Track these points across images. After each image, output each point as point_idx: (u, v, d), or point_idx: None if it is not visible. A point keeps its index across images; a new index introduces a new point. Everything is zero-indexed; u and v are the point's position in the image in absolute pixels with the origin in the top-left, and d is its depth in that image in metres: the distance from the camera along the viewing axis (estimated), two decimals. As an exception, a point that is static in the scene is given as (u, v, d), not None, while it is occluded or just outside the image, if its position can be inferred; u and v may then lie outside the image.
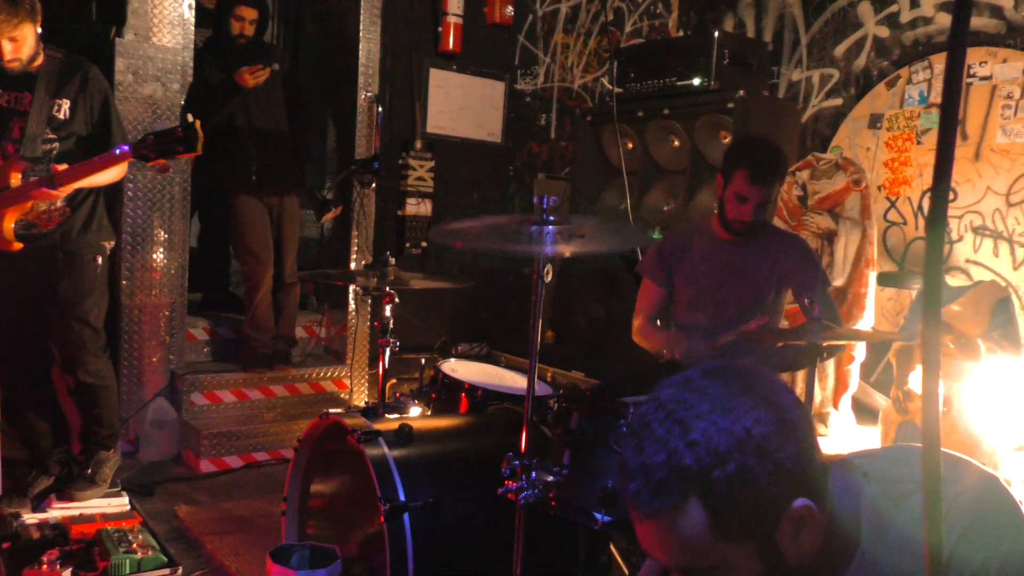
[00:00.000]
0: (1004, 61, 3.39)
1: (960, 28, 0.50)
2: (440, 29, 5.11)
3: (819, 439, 1.08)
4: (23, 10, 2.72)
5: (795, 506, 0.99)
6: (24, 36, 2.78)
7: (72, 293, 3.05)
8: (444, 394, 2.81)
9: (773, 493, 0.97)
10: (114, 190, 3.68)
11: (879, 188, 3.79)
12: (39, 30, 2.85)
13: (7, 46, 2.76)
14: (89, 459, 3.22)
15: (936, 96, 3.62)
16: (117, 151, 2.73)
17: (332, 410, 2.41)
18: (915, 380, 3.10)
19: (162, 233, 4.04)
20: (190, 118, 2.59)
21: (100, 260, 3.14)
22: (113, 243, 3.26)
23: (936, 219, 0.53)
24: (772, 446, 0.97)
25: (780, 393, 1.02)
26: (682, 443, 0.96)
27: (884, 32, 3.83)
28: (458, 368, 2.99)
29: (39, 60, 2.91)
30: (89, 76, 3.01)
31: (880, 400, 3.69)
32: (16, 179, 2.82)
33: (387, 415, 2.48)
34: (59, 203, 2.97)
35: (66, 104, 2.96)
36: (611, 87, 4.46)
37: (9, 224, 2.85)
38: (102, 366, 3.20)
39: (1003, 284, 3.33)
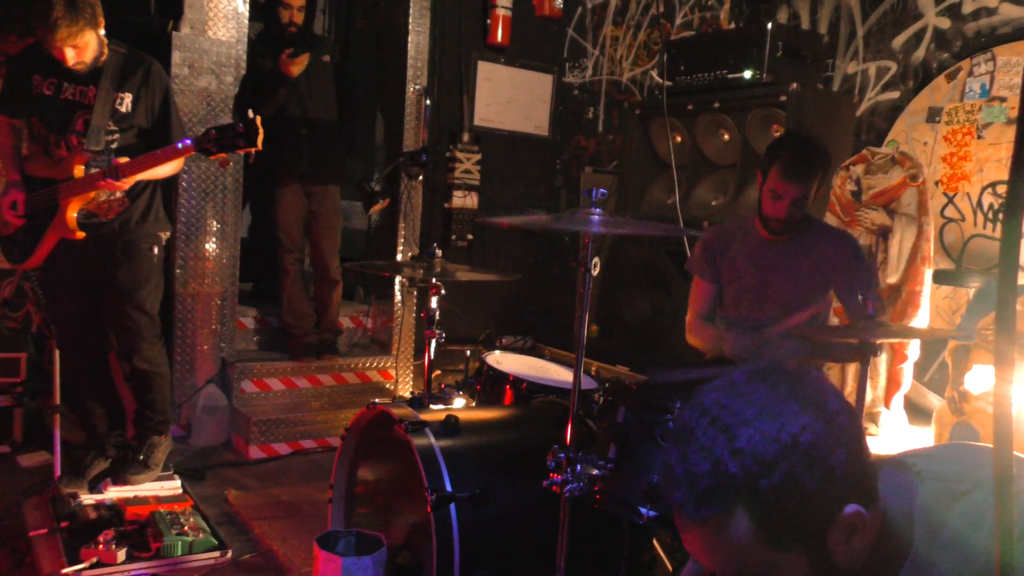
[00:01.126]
0: (1072, 53, 3.27)
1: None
2: (489, 22, 5.11)
3: (867, 439, 1.05)
4: (83, 19, 2.78)
5: (845, 512, 0.96)
6: (86, 42, 2.85)
7: (129, 281, 3.13)
8: (489, 386, 2.82)
9: (822, 501, 0.95)
10: (170, 181, 3.77)
11: (936, 183, 3.68)
12: (102, 32, 2.92)
13: (70, 52, 2.83)
14: (142, 444, 3.30)
15: (999, 89, 3.50)
16: (180, 145, 2.80)
17: (379, 400, 2.43)
18: (971, 380, 3.01)
19: (215, 223, 4.12)
20: (251, 114, 2.66)
21: (156, 250, 3.21)
22: (169, 233, 3.33)
23: (1013, 212, 0.52)
24: (820, 453, 0.94)
25: (828, 396, 0.99)
26: (727, 451, 0.94)
27: (945, 23, 3.72)
28: (503, 360, 3.00)
29: (104, 57, 2.98)
30: (151, 71, 3.09)
31: (934, 400, 3.59)
32: (79, 170, 2.91)
33: (432, 406, 2.50)
34: (119, 194, 3.04)
35: (128, 98, 3.03)
36: (660, 80, 4.42)
37: (72, 213, 2.94)
38: (156, 353, 3.27)
39: (1066, 284, 3.22)
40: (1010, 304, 0.51)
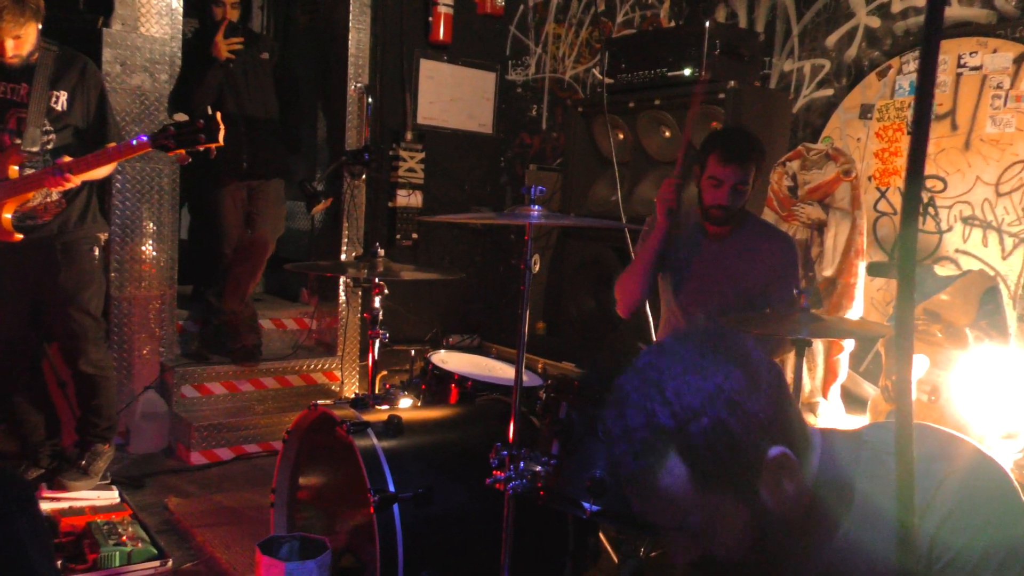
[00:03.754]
0: (994, 51, 3.39)
1: (934, 23, 0.50)
2: (431, 19, 5.09)
3: (790, 395, 1.10)
4: (29, 10, 2.76)
5: (772, 454, 1.02)
6: (28, 35, 2.82)
7: (72, 284, 3.07)
8: (434, 385, 2.81)
9: (748, 443, 1.01)
10: (103, 183, 3.67)
11: (869, 178, 3.79)
12: (40, 27, 2.86)
13: (9, 44, 2.80)
14: (84, 451, 3.22)
15: (926, 86, 3.61)
16: (134, 141, 2.76)
17: (321, 402, 2.40)
18: (904, 370, 3.11)
19: (151, 225, 4.02)
20: (209, 110, 2.66)
21: (97, 251, 3.16)
22: (107, 234, 3.27)
23: (909, 210, 0.53)
24: (742, 398, 1.01)
25: (751, 352, 1.06)
26: (657, 404, 1.01)
27: (875, 22, 3.82)
28: (448, 359, 2.99)
29: (36, 54, 2.91)
30: (87, 69, 3.05)
31: (869, 389, 3.70)
32: (13, 171, 2.83)
33: (377, 406, 2.48)
34: (55, 196, 2.98)
35: (64, 96, 2.97)
36: (602, 78, 4.45)
37: (7, 215, 2.86)
38: (102, 355, 3.22)
39: (991, 274, 3.34)
40: (908, 299, 0.53)
